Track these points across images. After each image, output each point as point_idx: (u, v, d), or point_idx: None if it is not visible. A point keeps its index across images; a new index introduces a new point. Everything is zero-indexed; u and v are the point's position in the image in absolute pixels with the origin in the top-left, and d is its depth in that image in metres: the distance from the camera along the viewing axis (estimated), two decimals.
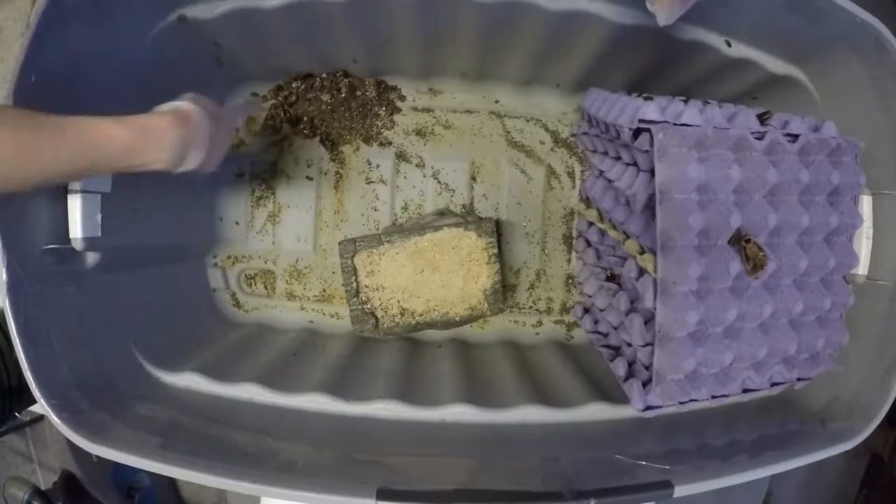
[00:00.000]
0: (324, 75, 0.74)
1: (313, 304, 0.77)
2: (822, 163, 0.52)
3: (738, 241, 0.49)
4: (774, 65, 0.63)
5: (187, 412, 0.55)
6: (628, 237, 0.59)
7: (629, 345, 0.59)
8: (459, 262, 0.71)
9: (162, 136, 0.45)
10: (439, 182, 0.77)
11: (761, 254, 0.48)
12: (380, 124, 0.76)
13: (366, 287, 0.71)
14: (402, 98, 0.76)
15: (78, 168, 0.42)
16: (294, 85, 0.74)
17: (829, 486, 1.20)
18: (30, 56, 0.45)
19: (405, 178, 0.77)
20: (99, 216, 0.51)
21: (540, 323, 0.78)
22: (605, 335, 0.66)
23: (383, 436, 0.56)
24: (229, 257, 0.77)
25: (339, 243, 0.71)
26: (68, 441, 0.45)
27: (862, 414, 0.57)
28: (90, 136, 0.42)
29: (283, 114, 0.75)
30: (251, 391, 0.58)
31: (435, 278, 0.71)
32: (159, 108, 0.48)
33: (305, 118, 0.75)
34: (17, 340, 0.45)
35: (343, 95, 0.74)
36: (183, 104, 0.48)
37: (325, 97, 0.74)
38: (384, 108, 0.76)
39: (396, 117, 0.76)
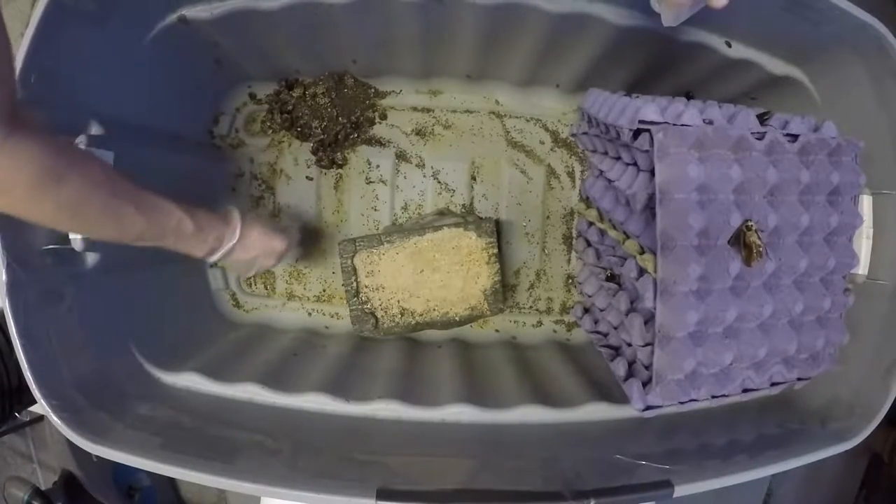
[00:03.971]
0: (324, 75, 0.74)
1: (313, 304, 0.77)
2: (822, 163, 0.52)
3: (739, 234, 0.49)
4: (774, 65, 0.63)
5: (187, 412, 0.55)
6: (628, 237, 0.59)
7: (629, 345, 0.59)
8: (459, 262, 0.71)
9: (209, 237, 0.54)
10: (439, 182, 0.77)
11: (758, 242, 0.48)
12: (372, 116, 0.76)
13: (366, 287, 0.71)
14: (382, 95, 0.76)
15: (148, 238, 0.48)
16: (292, 93, 0.74)
17: (828, 486, 1.20)
18: (30, 56, 0.45)
19: (405, 178, 0.77)
20: None
21: (540, 323, 0.78)
22: (605, 335, 0.66)
23: (383, 436, 0.56)
24: None
25: (339, 243, 0.71)
26: (68, 441, 0.45)
27: (862, 414, 0.57)
28: (165, 218, 0.49)
29: (279, 117, 0.75)
30: (251, 391, 0.58)
31: (435, 278, 0.71)
32: (224, 212, 0.57)
33: (302, 120, 0.75)
34: (17, 340, 0.45)
35: (334, 95, 0.74)
36: (235, 216, 0.58)
37: (322, 99, 0.74)
38: (370, 110, 0.76)
39: (393, 116, 0.76)
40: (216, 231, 0.55)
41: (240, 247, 0.58)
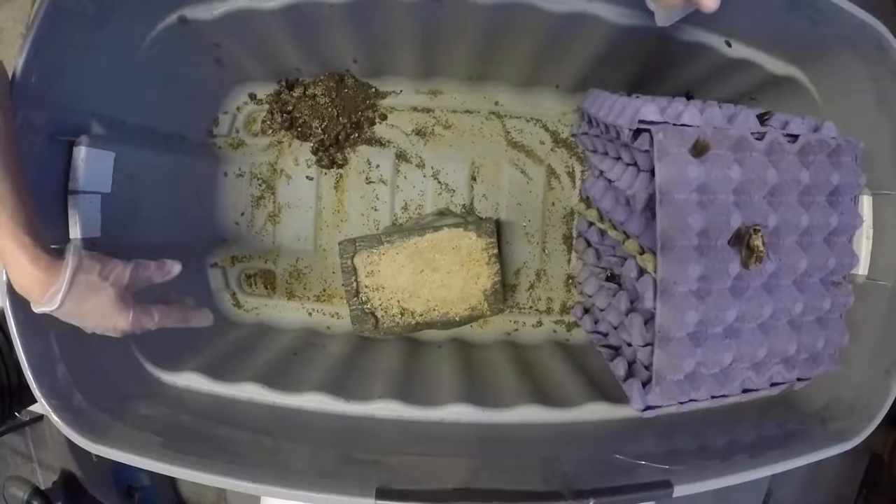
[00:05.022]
0: (324, 75, 0.74)
1: (313, 304, 0.77)
2: (822, 163, 0.52)
3: (740, 239, 0.49)
4: (774, 65, 0.63)
5: (187, 412, 0.55)
6: (628, 237, 0.59)
7: (629, 345, 0.59)
8: (459, 262, 0.71)
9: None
10: (439, 182, 0.77)
11: (761, 248, 0.48)
12: (372, 116, 0.76)
13: (366, 287, 0.71)
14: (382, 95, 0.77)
15: None
16: (292, 93, 0.74)
17: (829, 486, 1.20)
18: (30, 56, 0.45)
19: (405, 178, 0.77)
20: (98, 217, 0.51)
21: (540, 323, 0.78)
22: (605, 335, 0.66)
23: (383, 436, 0.56)
24: (229, 257, 0.77)
25: (339, 243, 0.71)
26: (68, 441, 0.45)
27: (862, 414, 0.57)
28: None
29: (279, 117, 0.75)
30: (251, 391, 0.58)
31: (435, 278, 0.71)
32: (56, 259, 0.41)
33: (302, 120, 0.75)
34: (17, 340, 0.45)
35: (334, 95, 0.74)
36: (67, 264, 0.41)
37: (322, 99, 0.74)
38: (371, 110, 0.76)
39: (393, 116, 0.76)
40: (22, 271, 0.39)
41: (62, 313, 0.42)
